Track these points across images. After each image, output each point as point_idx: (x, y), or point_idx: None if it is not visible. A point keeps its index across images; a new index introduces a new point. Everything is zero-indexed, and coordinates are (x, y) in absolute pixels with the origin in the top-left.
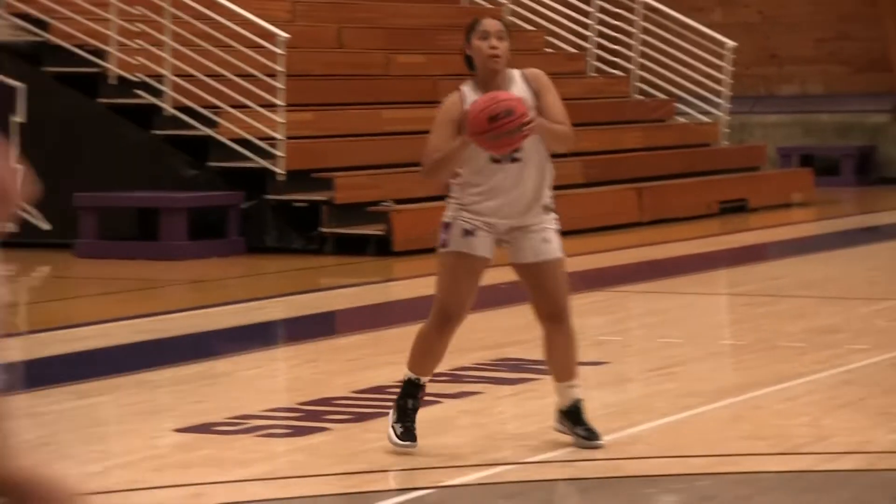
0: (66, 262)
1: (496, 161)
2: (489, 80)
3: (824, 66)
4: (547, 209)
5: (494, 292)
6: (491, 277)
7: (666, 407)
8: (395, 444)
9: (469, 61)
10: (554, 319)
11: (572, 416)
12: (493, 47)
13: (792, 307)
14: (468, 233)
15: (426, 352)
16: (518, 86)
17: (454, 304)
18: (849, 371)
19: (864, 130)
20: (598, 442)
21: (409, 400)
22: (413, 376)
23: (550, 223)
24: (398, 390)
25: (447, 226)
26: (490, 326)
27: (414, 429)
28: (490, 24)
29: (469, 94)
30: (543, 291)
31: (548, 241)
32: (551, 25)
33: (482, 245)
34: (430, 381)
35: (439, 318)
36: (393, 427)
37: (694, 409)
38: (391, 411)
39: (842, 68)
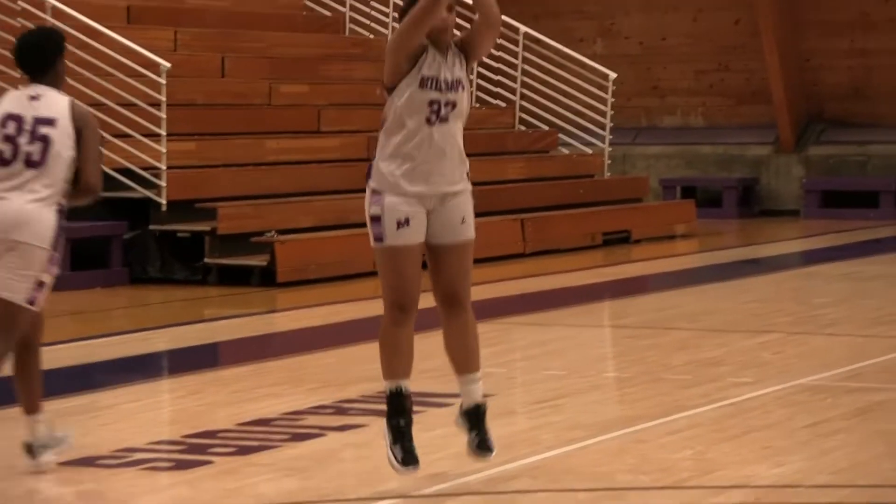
0: None
1: (429, 122)
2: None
3: (706, 97)
4: (467, 174)
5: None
6: (376, 309)
7: (551, 440)
8: (398, 469)
9: None
10: (454, 304)
11: (471, 418)
12: (443, 19)
13: (675, 339)
14: (401, 224)
15: (393, 352)
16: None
17: (404, 295)
18: (732, 404)
19: (745, 162)
20: (488, 454)
21: (398, 419)
22: (392, 386)
23: (468, 193)
24: (384, 409)
25: (377, 219)
26: (374, 357)
27: (414, 449)
28: None
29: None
30: (447, 273)
31: (465, 220)
32: None
33: (417, 232)
34: (314, 411)
35: (393, 313)
36: (391, 451)
37: (579, 442)
38: (385, 433)
39: (723, 100)
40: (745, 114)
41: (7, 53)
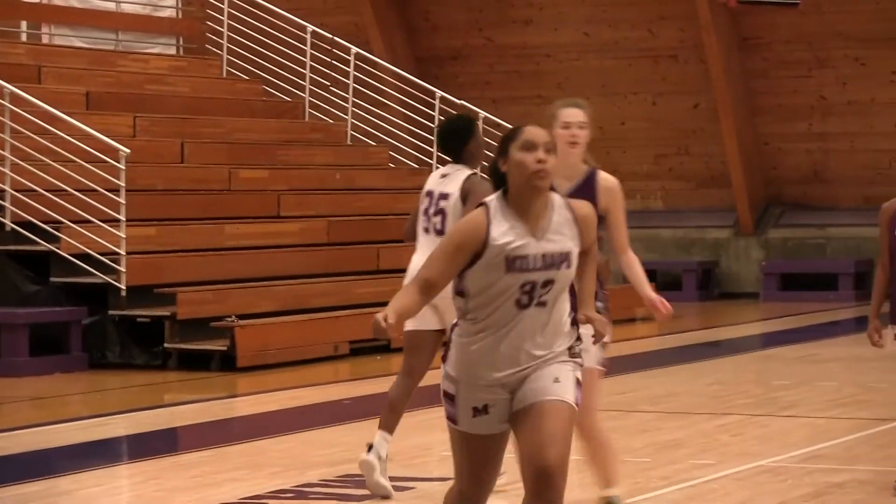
0: None
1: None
2: (529, 201)
3: (665, 181)
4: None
5: (338, 407)
6: (336, 393)
7: None
8: None
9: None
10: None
11: None
12: (541, 161)
13: (636, 422)
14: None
15: None
16: (559, 214)
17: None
18: (692, 486)
19: (705, 246)
20: None
21: None
22: None
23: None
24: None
25: None
26: (334, 441)
27: None
28: (537, 133)
29: (497, 217)
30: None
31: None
32: (394, 141)
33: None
34: (275, 496)
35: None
36: None
37: None
38: None
39: (683, 184)
40: (705, 197)
41: None
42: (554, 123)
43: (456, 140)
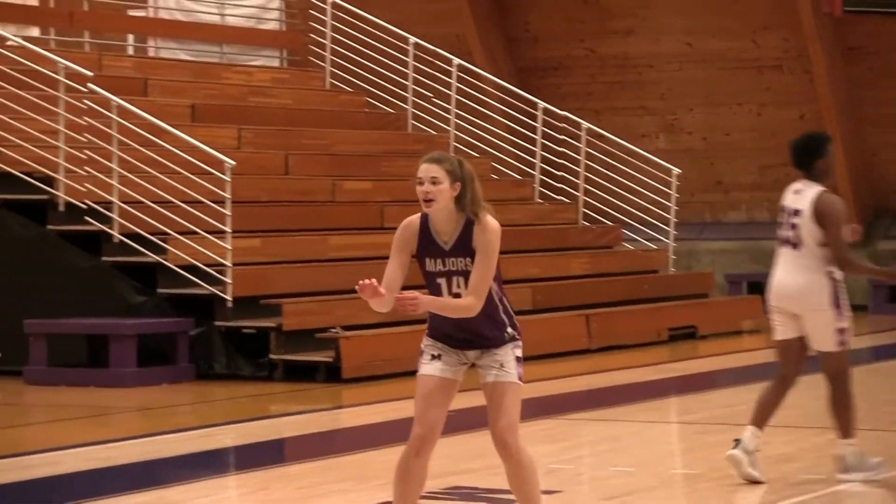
0: (16, 388)
1: None
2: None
3: (770, 192)
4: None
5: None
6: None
7: None
8: None
9: None
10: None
11: None
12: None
13: None
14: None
15: None
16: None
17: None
18: (804, 501)
19: None
20: None
21: None
22: None
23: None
24: None
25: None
26: (442, 452)
27: None
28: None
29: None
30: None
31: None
32: (497, 152)
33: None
34: None
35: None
36: None
37: None
38: None
39: None
40: None
41: (75, 152)
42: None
43: (808, 156)
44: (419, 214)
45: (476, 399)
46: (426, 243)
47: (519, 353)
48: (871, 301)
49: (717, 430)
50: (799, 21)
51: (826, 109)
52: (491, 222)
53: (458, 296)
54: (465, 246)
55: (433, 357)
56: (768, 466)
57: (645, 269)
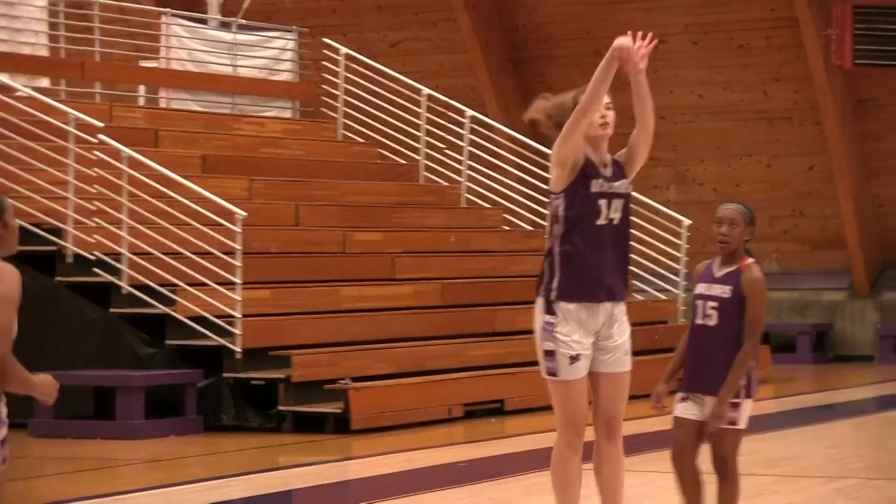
0: (22, 441)
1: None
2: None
3: (780, 243)
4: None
5: (452, 470)
6: (451, 456)
7: None
8: None
9: None
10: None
11: None
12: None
13: (751, 486)
14: (574, 359)
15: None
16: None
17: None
18: None
19: (820, 308)
20: None
21: None
22: None
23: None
24: None
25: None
26: None
27: None
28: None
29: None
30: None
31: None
32: (509, 204)
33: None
34: None
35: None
36: None
37: None
38: None
39: (798, 246)
40: (820, 259)
41: (85, 203)
42: None
43: None
44: None
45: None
46: None
47: None
48: (879, 351)
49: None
50: (809, 73)
51: (836, 161)
52: None
53: None
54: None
55: (572, 359)
56: None
57: (655, 320)
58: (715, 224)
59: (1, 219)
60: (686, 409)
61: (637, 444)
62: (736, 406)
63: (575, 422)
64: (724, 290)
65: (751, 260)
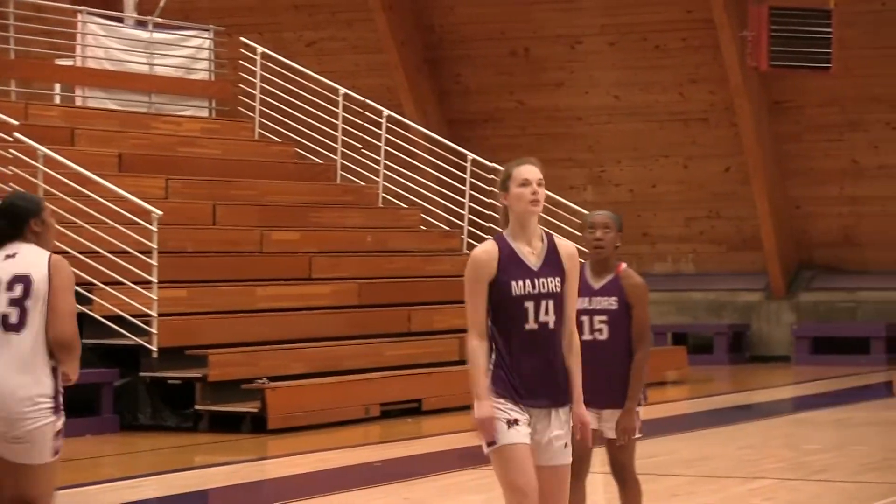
0: None
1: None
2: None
3: (696, 244)
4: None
5: (368, 469)
6: (367, 456)
7: None
8: None
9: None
10: None
11: None
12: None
13: (667, 486)
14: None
15: None
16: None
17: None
18: None
19: (736, 309)
20: None
21: None
22: None
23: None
24: None
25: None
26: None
27: None
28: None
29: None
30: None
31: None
32: (426, 203)
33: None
34: None
35: None
36: None
37: None
38: None
39: (714, 247)
40: (736, 260)
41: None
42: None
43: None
44: None
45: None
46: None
47: None
48: (794, 352)
49: (643, 481)
50: (725, 75)
51: (752, 162)
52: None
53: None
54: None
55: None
56: None
57: None
58: (587, 230)
59: (39, 217)
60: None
61: None
62: (637, 415)
63: (519, 491)
64: (609, 302)
65: (625, 265)
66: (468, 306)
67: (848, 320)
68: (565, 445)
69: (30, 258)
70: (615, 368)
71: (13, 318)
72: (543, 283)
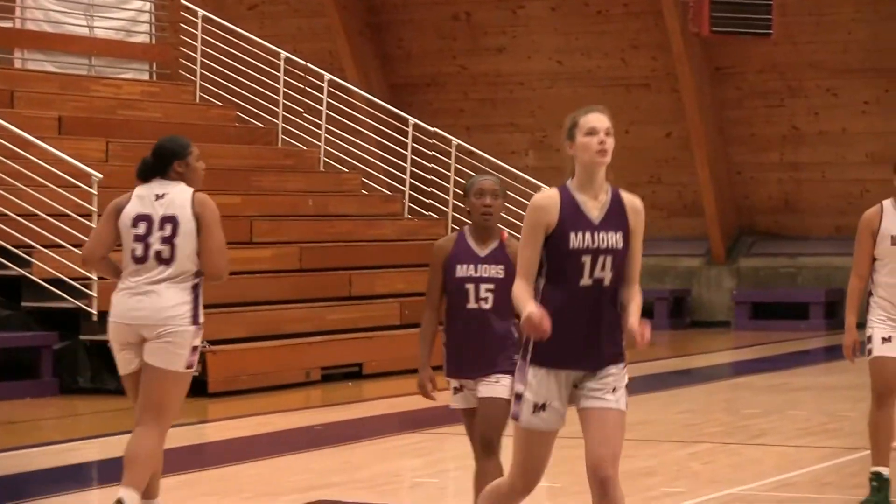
0: None
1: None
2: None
3: None
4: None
5: (309, 433)
6: (308, 419)
7: None
8: None
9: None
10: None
11: None
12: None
13: None
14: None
15: None
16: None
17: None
18: None
19: (677, 274)
20: None
21: None
22: None
23: None
24: None
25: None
26: (305, 468)
27: None
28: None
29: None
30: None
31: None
32: (367, 168)
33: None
34: None
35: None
36: None
37: None
38: None
39: (655, 212)
40: (677, 226)
41: None
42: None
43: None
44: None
45: (344, 413)
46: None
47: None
48: (734, 317)
49: (580, 444)
50: (667, 41)
51: (693, 128)
52: None
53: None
54: None
55: (537, 407)
56: (630, 480)
57: None
58: (474, 196)
59: (184, 160)
60: (466, 400)
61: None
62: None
63: (528, 470)
64: (497, 270)
65: (506, 231)
66: (520, 255)
67: (788, 286)
68: (614, 390)
69: (177, 199)
70: (499, 337)
71: (165, 254)
72: (603, 237)
